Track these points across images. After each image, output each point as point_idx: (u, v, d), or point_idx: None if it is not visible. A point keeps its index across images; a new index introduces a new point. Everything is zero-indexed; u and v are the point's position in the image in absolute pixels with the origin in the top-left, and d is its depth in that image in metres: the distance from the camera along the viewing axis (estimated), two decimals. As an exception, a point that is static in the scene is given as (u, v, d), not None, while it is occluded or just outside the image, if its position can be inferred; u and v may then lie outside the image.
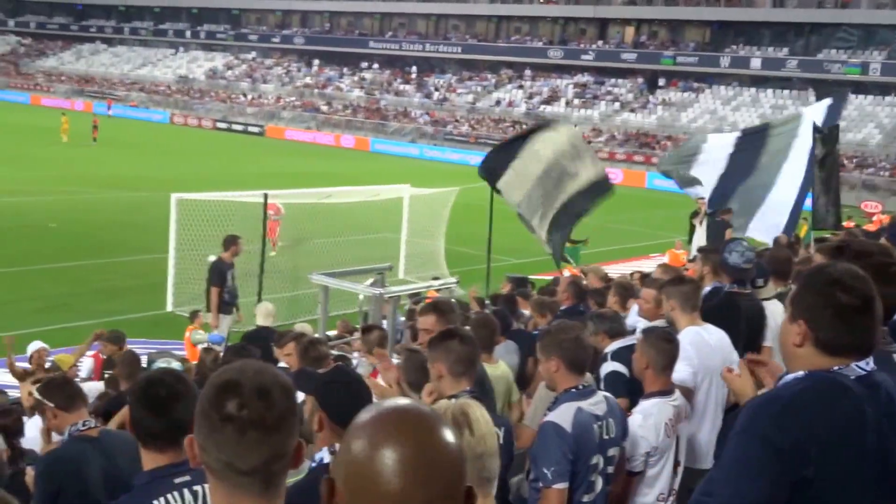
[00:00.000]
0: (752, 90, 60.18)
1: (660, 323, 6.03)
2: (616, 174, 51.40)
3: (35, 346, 10.30)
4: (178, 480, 2.98)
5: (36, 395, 5.02)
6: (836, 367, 2.59)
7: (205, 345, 11.48)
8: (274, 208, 20.45)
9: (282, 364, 6.86)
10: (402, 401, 1.73)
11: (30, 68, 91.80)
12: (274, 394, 1.97)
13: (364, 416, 1.66)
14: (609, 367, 5.64)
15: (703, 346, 5.52)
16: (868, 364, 2.61)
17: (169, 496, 2.96)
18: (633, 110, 62.38)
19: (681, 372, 5.12)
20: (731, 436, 2.60)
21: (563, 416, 4.16)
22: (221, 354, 8.54)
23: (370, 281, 8.95)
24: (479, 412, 2.40)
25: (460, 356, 4.15)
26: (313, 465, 3.26)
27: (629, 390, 5.29)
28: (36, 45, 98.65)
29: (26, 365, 10.40)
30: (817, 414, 2.51)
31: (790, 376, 2.67)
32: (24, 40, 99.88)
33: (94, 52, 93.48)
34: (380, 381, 5.75)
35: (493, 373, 5.90)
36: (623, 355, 5.43)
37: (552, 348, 4.33)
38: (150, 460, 3.09)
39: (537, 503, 4.14)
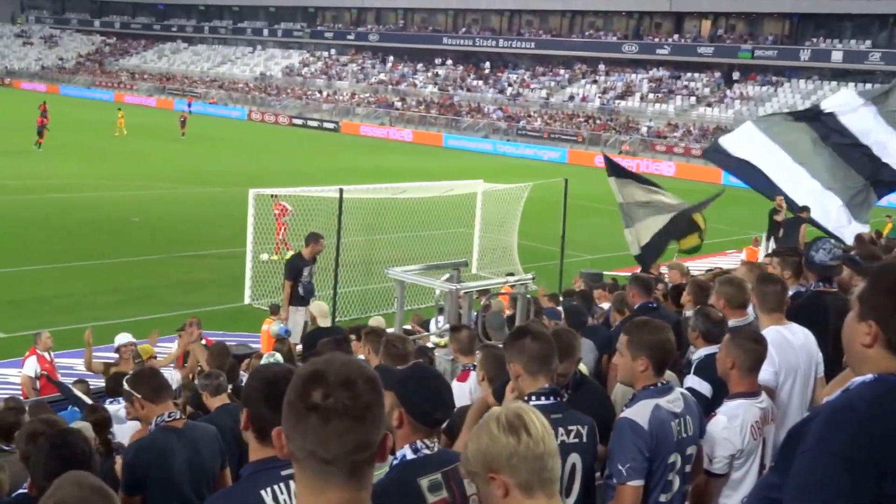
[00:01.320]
0: (833, 83, 58.60)
1: (740, 322, 5.88)
2: (679, 169, 50.72)
3: (123, 338, 10.54)
4: (285, 472, 3.01)
5: (125, 386, 5.14)
6: None
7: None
8: (280, 207, 20.52)
9: (360, 357, 6.91)
10: None
11: (114, 67, 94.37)
12: (359, 384, 2.00)
13: None
14: (690, 381, 5.43)
15: (785, 346, 5.37)
16: None
17: (276, 487, 3.00)
18: (709, 105, 61.33)
19: (766, 373, 4.99)
20: (803, 452, 2.38)
21: (641, 412, 4.11)
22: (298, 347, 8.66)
23: (446, 276, 8.95)
24: (533, 414, 2.40)
25: (533, 354, 4.11)
26: (395, 461, 3.25)
27: (705, 412, 5.02)
28: (120, 44, 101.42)
29: (113, 355, 10.70)
30: None
31: (858, 380, 2.48)
32: (108, 40, 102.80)
33: (175, 51, 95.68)
34: (472, 380, 5.75)
35: None
36: (709, 368, 5.17)
37: (642, 348, 4.25)
38: (260, 452, 3.13)
39: (612, 500, 4.09)
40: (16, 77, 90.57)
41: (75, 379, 11.14)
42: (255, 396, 3.29)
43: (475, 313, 9.67)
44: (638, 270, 17.75)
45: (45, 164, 36.65)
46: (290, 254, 20.15)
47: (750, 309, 5.96)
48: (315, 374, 2.02)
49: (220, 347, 7.59)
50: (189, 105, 73.08)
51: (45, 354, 11.87)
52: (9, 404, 7.48)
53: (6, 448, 6.42)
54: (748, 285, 5.96)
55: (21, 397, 10.23)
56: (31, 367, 11.52)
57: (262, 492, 3.00)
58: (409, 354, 5.78)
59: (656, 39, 67.70)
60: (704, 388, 5.30)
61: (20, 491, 4.51)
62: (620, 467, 4.00)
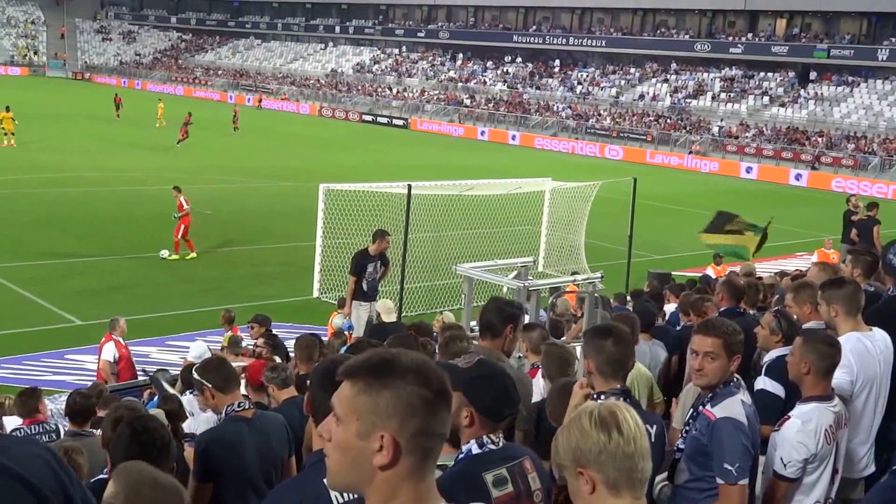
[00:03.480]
0: (912, 85, 57.03)
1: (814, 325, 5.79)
2: (750, 169, 49.83)
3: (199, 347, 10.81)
4: None
5: (194, 375, 5.23)
6: None
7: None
8: (179, 204, 20.70)
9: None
10: None
11: (189, 63, 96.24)
12: (433, 373, 2.02)
13: None
14: (762, 382, 5.36)
15: (864, 354, 5.25)
16: None
17: None
18: (783, 105, 60.10)
19: (838, 379, 4.88)
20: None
21: (734, 410, 4.10)
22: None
23: (514, 273, 8.97)
24: (627, 413, 2.39)
25: (611, 357, 4.12)
26: (461, 455, 3.26)
27: (776, 416, 4.96)
28: (195, 40, 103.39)
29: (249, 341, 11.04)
30: None
31: None
32: (184, 36, 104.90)
33: (249, 48, 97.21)
34: (540, 378, 5.76)
35: (631, 372, 5.80)
36: (780, 369, 5.11)
37: (739, 348, 4.30)
38: (321, 441, 3.18)
39: (716, 501, 4.06)
40: (95, 72, 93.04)
41: (157, 367, 11.46)
42: (314, 381, 3.39)
43: (543, 312, 9.67)
44: (707, 270, 17.57)
45: (121, 157, 37.56)
46: (192, 255, 20.54)
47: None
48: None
49: (309, 340, 7.72)
50: (259, 102, 74.25)
51: (121, 340, 12.18)
52: (85, 391, 7.70)
53: (84, 433, 6.62)
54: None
55: (99, 382, 10.52)
56: (110, 352, 11.82)
57: (325, 480, 3.05)
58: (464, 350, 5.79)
59: (729, 38, 66.56)
60: (777, 388, 5.25)
61: (100, 476, 4.59)
62: (730, 467, 3.98)
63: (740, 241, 13.19)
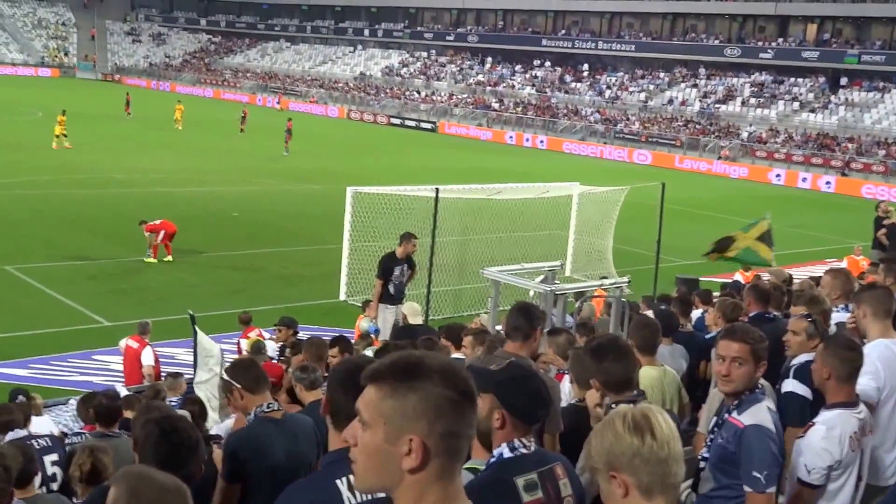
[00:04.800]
0: (944, 90, 56.37)
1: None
2: (781, 175, 49.41)
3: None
4: None
5: (224, 376, 5.24)
6: None
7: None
8: (151, 228, 20.48)
9: (457, 355, 6.96)
10: None
11: (218, 65, 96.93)
12: (461, 374, 2.03)
13: None
14: (790, 385, 5.31)
15: (891, 361, 5.19)
16: None
17: (350, 476, 2.95)
18: (813, 110, 59.57)
19: (864, 386, 4.85)
20: None
21: (762, 416, 4.08)
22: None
23: (541, 277, 8.94)
24: (660, 416, 2.35)
25: (613, 377, 4.16)
26: (492, 459, 3.25)
27: (803, 418, 4.94)
28: (225, 42, 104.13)
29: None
30: None
31: None
32: (214, 38, 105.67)
33: (278, 50, 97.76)
34: (566, 382, 5.73)
35: (654, 374, 5.76)
36: (809, 372, 5.03)
37: (765, 353, 4.27)
38: (340, 441, 3.17)
39: None
40: (124, 73, 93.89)
41: (174, 370, 11.53)
42: (332, 382, 3.39)
43: (570, 317, 9.63)
44: (736, 276, 17.41)
45: (150, 158, 37.87)
46: (168, 257, 20.49)
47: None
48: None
49: (318, 341, 7.72)
50: (278, 103, 74.67)
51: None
52: (112, 393, 7.76)
53: (111, 434, 6.66)
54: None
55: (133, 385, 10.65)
56: (150, 356, 12.02)
57: (338, 481, 3.05)
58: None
59: (760, 43, 66.08)
60: (804, 391, 5.20)
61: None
62: (758, 475, 3.96)
63: (752, 247, 13.22)
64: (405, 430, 1.95)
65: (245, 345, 12.66)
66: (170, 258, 20.55)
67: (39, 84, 78.08)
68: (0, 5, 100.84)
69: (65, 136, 38.89)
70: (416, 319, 11.14)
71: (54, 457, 6.30)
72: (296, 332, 11.87)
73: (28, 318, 16.05)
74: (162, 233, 20.43)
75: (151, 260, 20.41)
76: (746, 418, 4.11)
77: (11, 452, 4.91)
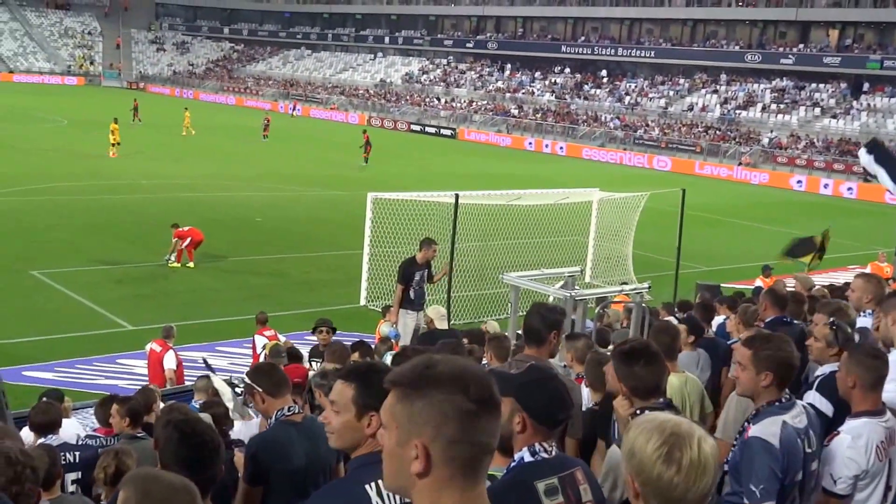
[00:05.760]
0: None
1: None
2: (802, 181, 49.12)
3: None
4: None
5: (245, 380, 5.29)
6: None
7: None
8: (180, 234, 20.61)
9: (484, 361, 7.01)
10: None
11: (241, 73, 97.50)
12: (488, 380, 2.03)
13: None
14: (811, 397, 5.20)
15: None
16: None
17: (380, 482, 3.01)
18: (834, 116, 59.20)
19: (891, 393, 4.76)
20: None
21: (770, 430, 4.01)
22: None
23: (560, 283, 8.97)
24: (697, 447, 2.36)
25: (641, 382, 4.10)
26: (513, 463, 3.26)
27: (824, 433, 4.80)
28: (247, 50, 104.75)
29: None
30: None
31: None
32: (236, 46, 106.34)
33: (299, 58, 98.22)
34: (584, 387, 5.75)
35: (675, 383, 5.70)
36: (832, 385, 4.94)
37: (768, 363, 4.17)
38: (366, 447, 3.20)
39: None
40: (149, 81, 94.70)
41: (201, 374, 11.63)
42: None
43: (589, 322, 9.65)
44: (756, 282, 17.38)
45: (175, 164, 38.17)
46: (190, 264, 20.59)
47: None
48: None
49: (341, 346, 7.80)
50: (294, 109, 74.99)
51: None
52: (139, 396, 7.84)
53: (139, 435, 6.75)
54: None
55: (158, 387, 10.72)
56: (172, 360, 12.12)
57: (367, 486, 3.03)
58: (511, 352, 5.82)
59: (781, 49, 65.78)
60: (825, 405, 5.10)
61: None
62: (753, 488, 3.91)
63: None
64: (413, 434, 1.97)
65: (259, 342, 12.80)
66: (191, 265, 20.72)
67: (66, 92, 78.90)
68: (28, 15, 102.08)
69: (118, 144, 39.26)
70: (441, 323, 11.11)
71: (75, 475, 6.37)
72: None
73: (54, 322, 16.23)
74: (188, 240, 20.62)
75: (175, 265, 20.58)
76: (755, 429, 4.07)
77: (38, 454, 5.01)
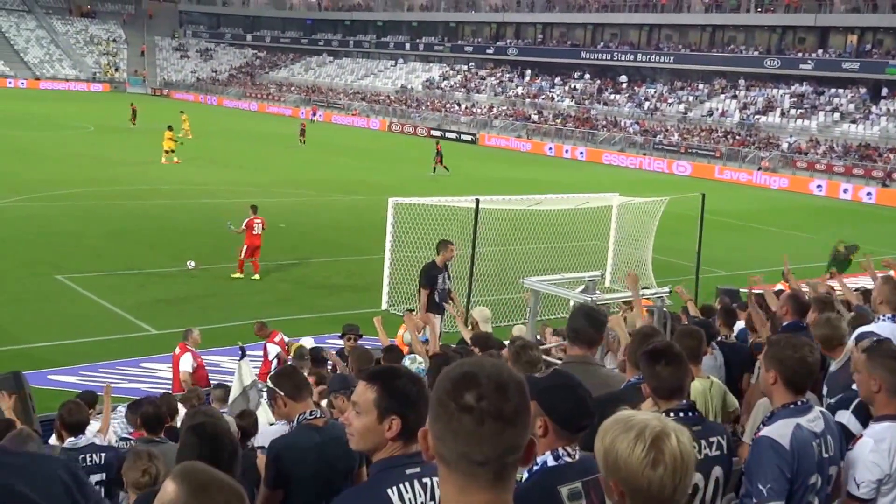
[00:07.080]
0: None
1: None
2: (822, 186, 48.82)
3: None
4: (409, 471, 3.07)
5: (268, 384, 5.36)
6: None
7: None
8: (248, 222, 20.54)
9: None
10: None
11: (263, 79, 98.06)
12: (511, 388, 2.03)
13: None
14: (844, 417, 5.05)
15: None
16: None
17: (401, 486, 3.05)
18: (854, 121, 58.82)
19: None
20: None
21: (781, 431, 4.03)
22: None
23: (581, 288, 9.02)
24: (679, 454, 2.39)
25: (664, 383, 4.13)
26: (536, 467, 3.27)
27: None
28: (269, 57, 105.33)
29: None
30: None
31: None
32: (259, 53, 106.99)
33: (321, 64, 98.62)
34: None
35: (699, 388, 5.75)
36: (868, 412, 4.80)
37: (772, 362, 4.22)
38: (387, 451, 3.16)
39: None
40: (172, 88, 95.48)
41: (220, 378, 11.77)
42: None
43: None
44: (777, 287, 17.32)
45: (199, 171, 38.42)
46: (256, 276, 20.50)
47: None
48: (467, 375, 2.04)
49: (363, 351, 7.85)
50: (314, 114, 75.27)
51: (194, 350, 12.53)
52: (155, 399, 7.95)
53: (159, 440, 6.85)
54: None
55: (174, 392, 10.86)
56: (188, 362, 12.19)
57: (389, 490, 3.03)
58: (540, 361, 5.85)
59: (800, 54, 65.44)
60: (857, 428, 4.93)
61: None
62: (761, 487, 3.92)
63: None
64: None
65: (272, 350, 12.90)
66: (257, 276, 20.62)
67: (92, 98, 79.57)
68: (54, 23, 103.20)
69: (172, 150, 39.57)
70: (486, 326, 10.96)
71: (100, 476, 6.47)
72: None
73: (78, 327, 16.41)
74: (245, 248, 20.59)
75: (238, 275, 20.54)
76: (766, 430, 4.10)
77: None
